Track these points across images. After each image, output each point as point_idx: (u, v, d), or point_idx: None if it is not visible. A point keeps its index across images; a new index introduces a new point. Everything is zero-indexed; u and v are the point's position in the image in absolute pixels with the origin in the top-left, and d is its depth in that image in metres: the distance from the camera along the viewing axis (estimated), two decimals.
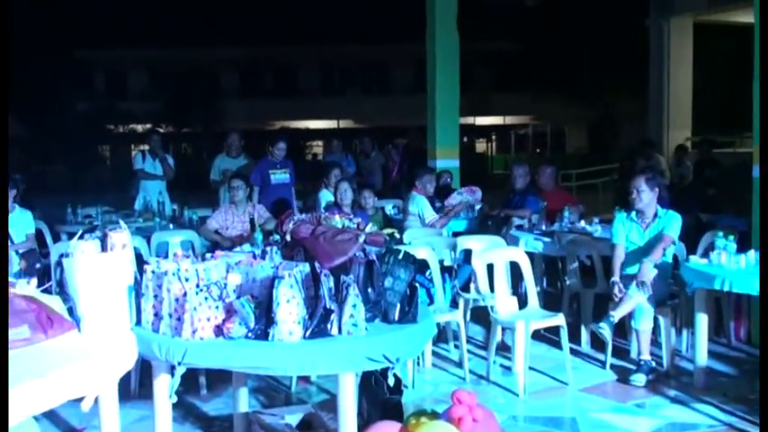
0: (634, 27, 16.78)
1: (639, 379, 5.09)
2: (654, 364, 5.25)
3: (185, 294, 3.22)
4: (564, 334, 5.11)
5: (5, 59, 4.29)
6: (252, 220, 7.03)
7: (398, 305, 3.51)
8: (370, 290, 3.53)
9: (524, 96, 31.75)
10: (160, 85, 32.90)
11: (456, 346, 5.68)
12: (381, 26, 29.15)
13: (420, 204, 7.63)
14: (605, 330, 5.17)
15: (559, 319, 5.11)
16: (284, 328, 3.16)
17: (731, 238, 5.04)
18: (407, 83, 32.19)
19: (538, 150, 35.39)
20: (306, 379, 5.05)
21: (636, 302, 5.16)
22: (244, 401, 4.19)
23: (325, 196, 8.09)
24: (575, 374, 5.29)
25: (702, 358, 5.06)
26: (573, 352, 5.82)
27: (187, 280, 3.30)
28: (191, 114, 30.94)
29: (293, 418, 4.02)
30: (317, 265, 3.52)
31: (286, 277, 3.19)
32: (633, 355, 5.60)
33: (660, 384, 5.11)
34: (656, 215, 5.48)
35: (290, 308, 3.17)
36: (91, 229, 4.71)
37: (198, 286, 3.26)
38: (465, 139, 33.26)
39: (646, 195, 5.44)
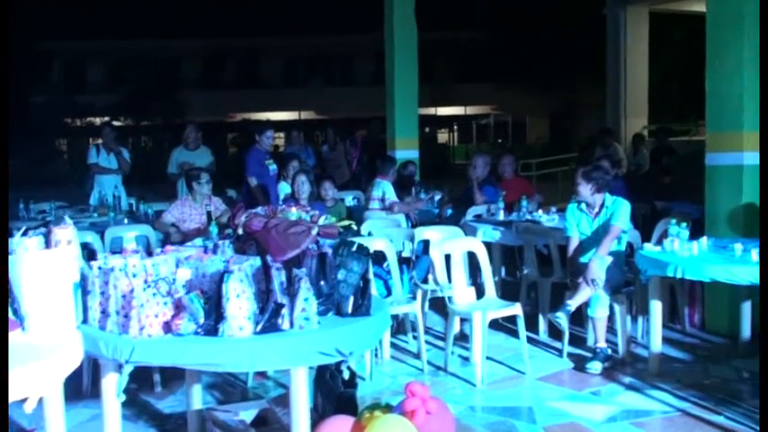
0: (594, 16, 16.89)
1: (595, 367, 5.13)
2: (610, 351, 5.30)
3: (132, 291, 3.16)
4: (521, 323, 5.13)
5: (5, 60, 4.20)
6: (209, 213, 6.94)
7: (352, 298, 3.48)
8: (322, 283, 3.50)
9: (486, 86, 31.87)
10: (119, 77, 32.39)
11: (415, 338, 5.67)
12: (344, 17, 29.01)
13: (383, 187, 7.79)
14: (561, 319, 5.22)
15: (516, 309, 5.13)
16: (234, 324, 3.11)
17: (684, 225, 5.09)
18: (371, 74, 32.08)
19: (500, 140, 35.56)
20: (262, 374, 5.00)
21: (592, 292, 5.20)
22: (197, 398, 4.14)
23: (284, 188, 8.00)
24: (532, 363, 5.32)
25: (657, 345, 5.11)
26: (531, 341, 5.84)
27: (135, 276, 3.23)
28: (151, 106, 30.51)
29: (248, 414, 3.97)
30: (268, 258, 3.48)
31: (235, 272, 3.15)
32: (590, 343, 5.64)
33: (616, 371, 5.16)
34: (603, 204, 5.52)
35: (239, 303, 3.13)
36: (43, 224, 4.61)
37: (146, 282, 3.20)
38: (427, 130, 33.35)
39: (582, 188, 5.49)
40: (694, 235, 5.77)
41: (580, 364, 5.29)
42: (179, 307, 3.20)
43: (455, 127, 35.76)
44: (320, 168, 11.18)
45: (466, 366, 5.36)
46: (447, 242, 5.52)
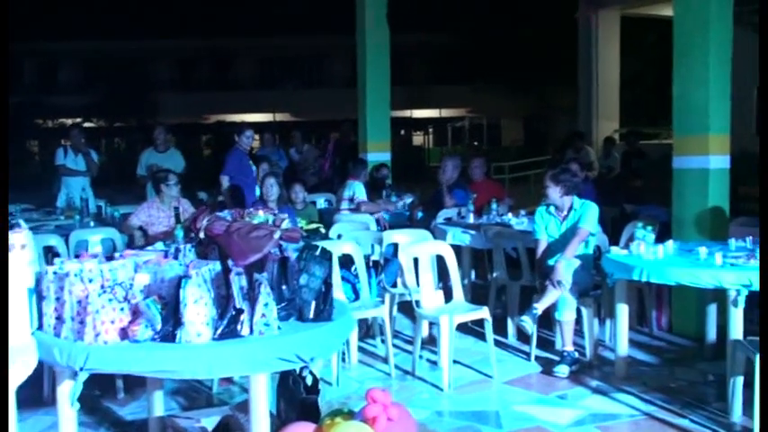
0: (567, 20, 16.98)
1: (563, 370, 5.13)
2: (577, 354, 5.30)
3: (88, 296, 3.09)
4: (488, 327, 5.12)
5: (5, 59, 4.14)
6: (177, 216, 6.85)
7: (313, 303, 3.44)
8: (284, 287, 3.45)
9: (461, 89, 31.93)
10: (92, 78, 32.04)
11: (383, 342, 5.64)
12: (319, 18, 28.90)
13: (354, 188, 7.84)
14: (527, 323, 5.20)
15: (484, 313, 5.11)
16: (192, 330, 3.05)
17: (650, 228, 5.10)
18: (346, 76, 31.98)
19: (475, 143, 35.66)
20: (228, 379, 4.94)
21: (559, 294, 5.20)
22: (159, 405, 4.07)
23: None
24: (500, 367, 5.31)
25: (623, 348, 5.11)
26: (500, 344, 5.86)
27: (91, 281, 3.16)
28: (124, 108, 30.21)
29: (210, 421, 3.90)
30: (229, 263, 3.43)
31: (193, 276, 3.09)
32: (558, 346, 5.64)
33: (583, 375, 5.16)
34: (571, 207, 5.53)
35: (197, 308, 3.07)
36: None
37: (102, 287, 3.13)
38: (402, 132, 33.39)
39: (551, 191, 5.51)
40: (663, 238, 5.80)
41: (548, 367, 5.28)
42: (136, 313, 3.13)
43: (430, 129, 35.78)
44: (291, 171, 11.12)
45: (434, 370, 5.33)
46: (414, 246, 5.50)
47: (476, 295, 6.89)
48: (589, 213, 5.45)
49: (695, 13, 5.88)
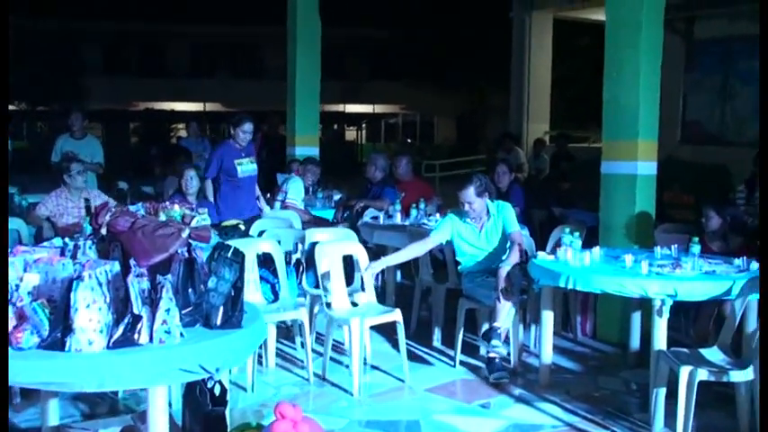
0: (501, 20, 16.99)
1: (502, 376, 4.99)
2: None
3: None
4: (400, 330, 4.94)
5: (5, 59, 3.75)
6: (88, 208, 6.48)
7: (221, 308, 3.19)
8: (190, 291, 3.20)
9: (395, 85, 31.83)
10: (15, 59, 30.66)
11: (303, 345, 5.41)
12: (255, 7, 28.34)
13: (293, 185, 7.64)
14: (500, 347, 4.96)
15: (395, 315, 4.93)
16: (83, 338, 2.78)
17: (577, 234, 5.03)
18: (281, 67, 31.46)
19: (409, 140, 35.65)
20: None
21: (509, 306, 5.03)
22: (54, 413, 3.75)
23: (173, 184, 7.61)
24: (424, 373, 5.17)
25: (548, 356, 5.01)
26: (423, 349, 5.72)
27: None
28: (48, 91, 29.03)
29: (109, 431, 3.63)
30: (132, 263, 3.16)
31: (86, 279, 2.81)
32: (483, 352, 5.52)
33: (507, 382, 5.03)
34: (488, 212, 5.38)
35: (90, 314, 2.79)
36: None
37: None
38: (335, 127, 33.09)
39: (478, 205, 5.29)
40: (591, 242, 5.75)
41: (478, 372, 5.16)
42: (22, 317, 2.84)
43: (363, 125, 35.60)
44: None
45: (352, 376, 5.14)
46: (325, 245, 5.28)
47: (402, 297, 6.74)
48: (510, 215, 5.34)
49: (627, 19, 5.82)
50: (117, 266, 3.05)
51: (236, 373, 4.99)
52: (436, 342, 5.89)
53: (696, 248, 4.66)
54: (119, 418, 3.89)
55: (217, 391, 3.43)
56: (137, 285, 2.93)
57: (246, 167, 6.75)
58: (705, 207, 5.49)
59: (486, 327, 5.25)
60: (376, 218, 7.09)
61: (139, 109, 32.17)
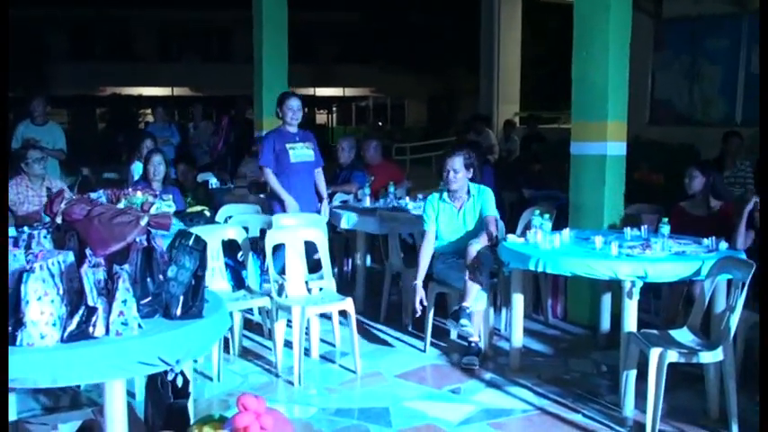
0: (471, 1, 16.89)
1: (472, 361, 4.95)
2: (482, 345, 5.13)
3: None
4: (351, 319, 4.85)
5: (5, 59, 3.58)
6: (49, 196, 6.31)
7: (182, 298, 3.10)
8: (149, 280, 3.10)
9: (365, 68, 31.63)
10: None
11: (271, 333, 5.32)
12: None
13: (250, 166, 7.60)
14: (468, 326, 4.89)
15: (346, 304, 4.83)
16: (35, 331, 2.67)
17: (547, 216, 4.97)
18: (249, 51, 31.06)
19: (380, 123, 35.51)
20: None
21: (478, 287, 4.97)
22: (11, 407, 3.63)
23: (138, 169, 7.45)
24: (394, 359, 5.13)
25: (518, 340, 4.97)
26: (394, 335, 5.67)
27: None
28: (12, 77, 28.38)
29: (69, 426, 3.52)
30: (88, 253, 3.05)
31: (36, 270, 2.70)
32: (453, 335, 5.48)
33: (477, 368, 4.97)
34: (468, 193, 5.32)
35: (41, 306, 2.69)
36: None
37: None
38: (305, 110, 32.86)
39: (461, 176, 5.23)
40: (560, 222, 5.72)
41: (449, 357, 5.12)
42: None
43: (334, 108, 35.37)
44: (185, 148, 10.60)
45: (323, 364, 5.08)
46: (281, 231, 5.17)
47: (372, 282, 6.67)
48: (489, 199, 5.27)
49: None
50: (71, 257, 2.93)
51: (203, 362, 4.90)
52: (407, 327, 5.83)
53: (666, 229, 4.64)
54: (79, 411, 3.76)
55: (179, 382, 3.34)
56: (92, 276, 2.82)
57: (300, 153, 6.06)
58: (690, 167, 5.44)
59: (455, 307, 5.19)
60: (345, 202, 7.01)
61: (106, 94, 31.66)
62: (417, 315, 5.21)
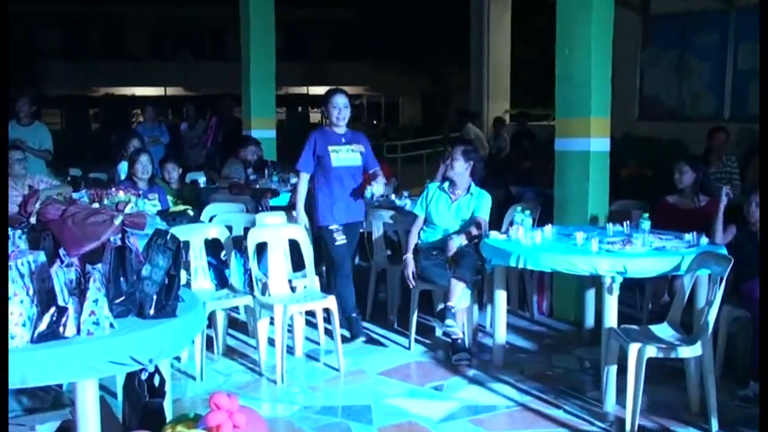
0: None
1: (463, 358, 4.95)
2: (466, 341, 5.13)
3: None
4: (333, 317, 4.85)
5: (5, 59, 3.59)
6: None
7: (155, 297, 3.09)
8: (122, 280, 3.09)
9: (359, 66, 31.56)
10: None
11: (255, 332, 5.31)
12: None
13: (233, 167, 7.45)
14: (455, 327, 4.90)
15: (328, 302, 4.83)
16: None
17: (528, 212, 4.98)
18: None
19: (374, 122, 35.46)
20: None
21: (462, 286, 4.97)
22: None
23: (125, 169, 7.43)
24: (378, 357, 5.13)
25: (501, 336, 4.98)
26: (380, 332, 5.67)
27: None
28: None
29: (47, 427, 3.51)
30: (61, 253, 3.04)
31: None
32: (438, 333, 5.49)
33: (464, 364, 4.97)
34: (468, 190, 5.34)
35: (11, 307, 2.67)
36: None
37: None
38: (300, 109, 32.79)
39: (459, 165, 5.28)
40: (548, 219, 5.73)
41: (433, 354, 5.12)
42: None
43: None
44: (176, 147, 10.58)
45: (308, 362, 5.07)
46: (263, 229, 5.16)
47: (359, 279, 6.65)
48: (485, 203, 5.31)
49: None
50: (42, 257, 2.92)
51: (186, 361, 4.91)
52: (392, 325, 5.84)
53: (646, 224, 4.64)
54: (57, 412, 3.76)
55: (156, 381, 3.34)
56: (62, 276, 2.82)
57: (344, 157, 5.38)
58: (679, 162, 5.46)
59: (441, 306, 5.19)
60: None
61: (99, 94, 31.62)
62: (412, 286, 5.25)
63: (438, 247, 5.30)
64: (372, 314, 6.03)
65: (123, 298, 3.06)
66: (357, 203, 5.54)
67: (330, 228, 5.39)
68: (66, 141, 20.28)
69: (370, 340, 5.46)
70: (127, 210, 3.43)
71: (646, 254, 4.36)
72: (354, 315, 5.43)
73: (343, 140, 5.44)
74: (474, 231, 5.13)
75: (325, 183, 5.39)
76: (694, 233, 4.58)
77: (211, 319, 5.08)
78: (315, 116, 34.81)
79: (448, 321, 4.89)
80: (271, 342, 4.99)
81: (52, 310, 2.75)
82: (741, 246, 4.64)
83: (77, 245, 3.16)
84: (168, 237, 3.34)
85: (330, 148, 5.36)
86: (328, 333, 5.20)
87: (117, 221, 3.27)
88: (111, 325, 2.87)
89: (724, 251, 4.42)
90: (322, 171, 5.38)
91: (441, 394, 4.48)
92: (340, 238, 5.39)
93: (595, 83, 5.70)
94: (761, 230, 4.33)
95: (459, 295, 4.99)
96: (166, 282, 3.12)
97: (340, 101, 5.39)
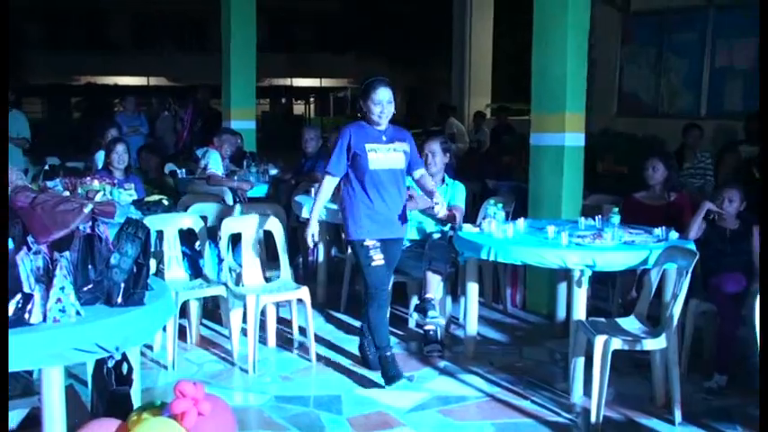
0: None
1: (435, 349, 4.98)
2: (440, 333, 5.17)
3: None
4: (308, 307, 4.86)
5: (5, 59, 3.53)
6: None
7: (123, 285, 3.10)
8: (90, 267, 3.10)
9: (343, 59, 31.52)
10: None
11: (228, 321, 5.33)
12: None
13: (211, 158, 7.31)
14: (438, 318, 4.91)
15: (301, 293, 4.85)
16: None
17: (500, 205, 5.02)
18: None
19: (359, 114, 35.35)
20: None
21: (438, 278, 5.00)
22: None
23: (102, 158, 7.41)
24: (352, 347, 5.12)
25: (473, 328, 5.02)
26: (354, 324, 5.69)
27: None
28: None
29: (15, 414, 3.53)
30: (29, 240, 3.05)
31: None
32: (412, 324, 5.53)
33: (436, 355, 5.01)
34: (443, 181, 5.38)
35: None
36: None
37: None
38: (283, 101, 32.74)
39: (440, 159, 5.30)
40: (523, 213, 5.78)
41: (405, 346, 5.17)
42: None
43: (312, 99, 35.26)
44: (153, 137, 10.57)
45: (281, 352, 5.10)
46: (235, 220, 5.17)
47: (336, 271, 6.69)
48: (460, 193, 5.36)
49: None
50: (10, 244, 2.93)
51: (158, 351, 4.92)
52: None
53: (616, 219, 4.70)
54: (25, 399, 3.77)
55: (124, 369, 3.35)
56: (28, 263, 2.83)
57: (384, 158, 4.43)
58: (651, 158, 5.48)
59: (416, 300, 5.23)
60: (309, 192, 7.00)
61: (81, 83, 31.38)
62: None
63: (413, 239, 5.33)
64: (347, 306, 6.05)
65: (91, 286, 3.07)
66: (399, 215, 4.52)
67: (365, 243, 4.43)
68: (47, 130, 20.08)
69: (346, 332, 5.48)
70: (97, 198, 3.46)
71: (615, 248, 4.41)
72: (389, 354, 4.46)
73: (384, 138, 4.46)
74: (455, 214, 5.16)
75: (359, 187, 4.45)
76: (664, 228, 4.64)
77: (185, 308, 5.09)
78: (299, 108, 34.79)
79: (431, 313, 4.83)
80: (244, 332, 5.00)
81: (18, 296, 2.76)
82: (709, 241, 4.72)
83: (46, 232, 3.18)
84: (138, 226, 3.35)
85: (368, 146, 4.41)
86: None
87: (86, 210, 3.28)
88: (78, 312, 2.88)
89: (691, 245, 4.48)
90: (356, 173, 4.43)
91: (411, 385, 4.51)
92: (377, 258, 4.41)
93: (571, 78, 5.75)
94: (761, 230, 4.39)
95: (436, 287, 5.02)
96: (135, 270, 3.13)
97: (384, 95, 4.40)
